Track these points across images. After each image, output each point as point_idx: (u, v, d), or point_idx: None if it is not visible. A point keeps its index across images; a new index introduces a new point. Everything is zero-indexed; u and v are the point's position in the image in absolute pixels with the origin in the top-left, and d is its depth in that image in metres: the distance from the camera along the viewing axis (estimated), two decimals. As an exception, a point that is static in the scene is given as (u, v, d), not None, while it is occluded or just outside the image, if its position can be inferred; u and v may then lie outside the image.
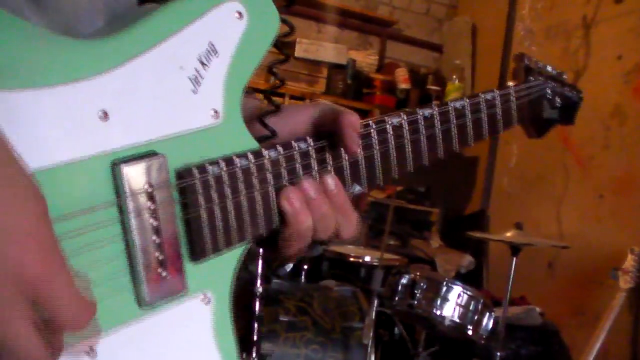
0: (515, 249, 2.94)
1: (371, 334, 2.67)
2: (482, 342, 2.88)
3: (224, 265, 0.84)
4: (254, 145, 0.85)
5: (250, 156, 0.83)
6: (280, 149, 0.86)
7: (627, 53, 3.92)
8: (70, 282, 0.62)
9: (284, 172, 0.86)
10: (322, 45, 4.95)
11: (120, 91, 0.71)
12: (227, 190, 0.81)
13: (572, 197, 4.19)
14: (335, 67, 5.03)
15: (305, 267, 3.29)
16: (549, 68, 1.28)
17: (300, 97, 4.77)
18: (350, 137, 0.90)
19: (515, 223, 3.08)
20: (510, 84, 1.22)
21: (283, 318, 2.77)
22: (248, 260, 2.74)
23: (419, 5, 5.71)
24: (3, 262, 0.57)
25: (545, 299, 3.94)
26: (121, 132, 0.72)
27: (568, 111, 1.35)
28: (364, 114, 5.01)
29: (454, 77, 5.23)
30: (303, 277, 3.29)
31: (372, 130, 0.96)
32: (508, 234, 3.01)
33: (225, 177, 0.81)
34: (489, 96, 1.14)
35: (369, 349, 2.66)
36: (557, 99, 1.30)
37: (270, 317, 2.75)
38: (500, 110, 1.16)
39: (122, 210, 0.72)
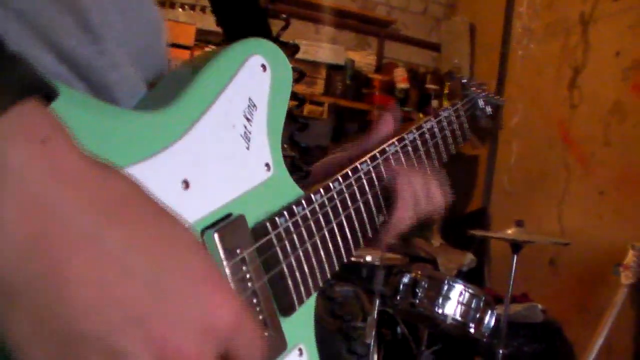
0: (516, 246, 2.94)
1: (373, 334, 2.68)
2: (485, 340, 2.89)
3: (306, 315, 0.86)
4: (299, 191, 0.88)
5: (305, 202, 0.85)
6: (322, 190, 0.90)
7: (625, 50, 3.92)
8: (259, 327, 0.60)
9: (337, 208, 0.92)
10: (320, 46, 4.95)
11: (193, 158, 0.71)
12: (296, 240, 0.82)
13: (572, 194, 4.19)
14: (333, 68, 5.03)
15: (307, 267, 3.28)
16: (474, 81, 1.38)
17: (300, 98, 4.76)
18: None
19: (516, 221, 3.08)
20: (456, 101, 1.31)
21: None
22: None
23: (417, 4, 5.72)
24: (199, 316, 0.53)
25: (547, 296, 3.94)
26: (202, 199, 0.71)
27: (496, 117, 1.45)
28: (363, 114, 5.02)
29: (453, 76, 5.23)
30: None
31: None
32: (509, 232, 3.01)
33: (291, 228, 0.82)
34: (446, 114, 1.25)
35: (371, 348, 2.66)
36: (488, 108, 1.40)
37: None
38: (457, 126, 1.28)
39: None
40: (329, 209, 0.90)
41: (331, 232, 0.90)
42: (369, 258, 3.48)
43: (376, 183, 1.01)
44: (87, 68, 0.68)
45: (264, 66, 0.82)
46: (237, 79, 0.78)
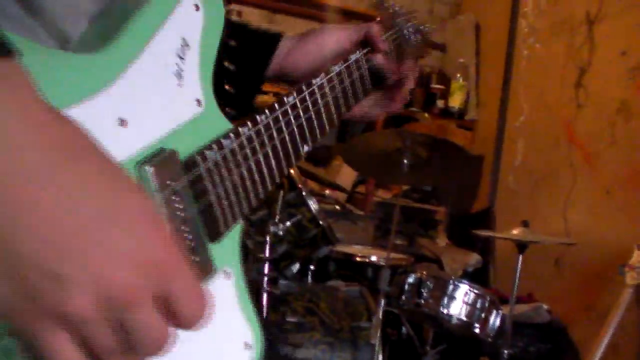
0: (521, 246, 2.94)
1: (379, 334, 2.68)
2: (490, 340, 2.89)
3: (231, 241, 0.92)
4: (228, 125, 0.92)
5: (233, 135, 0.90)
6: (249, 123, 0.95)
7: (631, 49, 3.91)
8: (192, 272, 0.64)
9: (267, 139, 0.98)
10: (326, 45, 4.94)
11: (129, 97, 0.75)
12: (224, 172, 0.88)
13: (578, 194, 4.18)
14: (339, 67, 5.02)
15: (312, 267, 3.29)
16: (403, 10, 1.46)
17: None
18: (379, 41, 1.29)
19: (521, 221, 3.08)
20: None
21: (291, 319, 2.77)
22: (256, 262, 2.74)
23: (422, 4, 5.71)
24: (139, 250, 0.58)
25: (553, 296, 3.94)
26: (137, 135, 0.76)
27: (422, 44, 1.51)
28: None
29: (458, 75, 5.23)
30: (310, 277, 3.29)
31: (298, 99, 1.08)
32: (514, 232, 3.01)
33: (220, 160, 0.87)
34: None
35: (376, 348, 2.66)
36: (416, 36, 1.47)
37: (278, 318, 2.75)
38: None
39: None
40: (256, 141, 0.95)
41: (257, 163, 0.95)
42: (374, 258, 3.48)
43: (302, 115, 1.08)
44: None
45: (196, 6, 0.87)
46: (172, 18, 0.83)
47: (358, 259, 3.50)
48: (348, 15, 5.24)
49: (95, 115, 0.70)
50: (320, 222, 2.97)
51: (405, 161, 2.91)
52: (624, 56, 3.95)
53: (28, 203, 0.53)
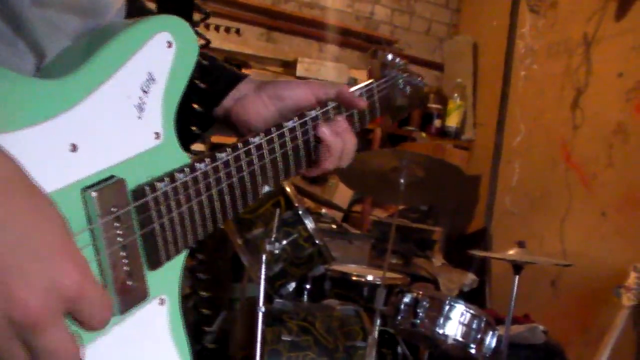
0: (517, 267, 2.93)
1: (374, 353, 2.66)
2: (486, 360, 2.87)
3: (172, 270, 0.95)
4: (187, 160, 0.95)
5: (187, 170, 0.93)
6: (208, 160, 0.97)
7: (628, 70, 3.93)
8: (99, 285, 0.70)
9: (223, 176, 0.99)
10: (324, 64, 4.96)
11: (84, 124, 0.79)
12: (173, 204, 0.91)
13: (575, 215, 4.19)
14: (337, 86, 5.03)
15: (308, 286, 3.28)
16: (397, 60, 1.44)
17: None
18: (356, 100, 1.23)
19: (517, 241, 3.07)
20: (371, 80, 1.37)
21: (286, 338, 2.76)
22: (251, 281, 2.73)
23: (420, 24, 5.74)
24: (47, 278, 0.63)
25: (549, 317, 3.93)
26: (87, 161, 0.80)
27: (416, 97, 1.51)
28: (366, 132, 5.02)
29: (456, 95, 5.24)
30: (306, 296, 3.28)
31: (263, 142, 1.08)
32: (510, 252, 3.01)
33: (170, 192, 0.90)
34: (358, 92, 1.30)
35: (372, 368, 2.65)
36: (407, 88, 1.46)
37: (273, 336, 2.74)
38: (370, 104, 1.34)
39: (94, 233, 0.79)
40: (211, 177, 0.97)
41: (209, 198, 0.97)
42: (370, 277, 3.47)
43: (266, 156, 1.08)
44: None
45: (169, 43, 0.91)
46: (140, 54, 0.86)
47: (354, 278, 3.49)
48: (344, 34, 5.27)
49: (47, 139, 0.74)
50: (317, 241, 2.97)
51: (402, 180, 2.92)
52: (621, 78, 3.97)
53: None
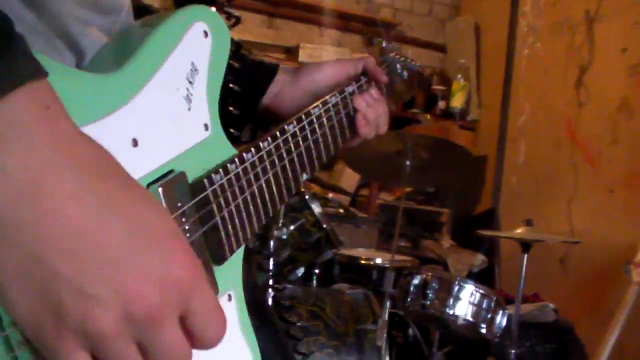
0: (525, 245, 2.93)
1: (385, 336, 2.67)
2: (496, 340, 2.87)
3: (235, 265, 0.94)
4: (233, 151, 0.95)
5: (237, 161, 0.92)
6: (253, 149, 0.98)
7: (631, 46, 3.91)
8: (212, 291, 0.64)
9: (269, 164, 1.01)
10: (325, 49, 4.95)
11: (141, 118, 0.77)
12: (229, 196, 0.90)
13: (582, 193, 4.18)
14: (339, 71, 5.01)
15: (317, 271, 3.28)
16: (392, 46, 1.54)
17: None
18: (379, 73, 1.37)
19: (525, 220, 3.07)
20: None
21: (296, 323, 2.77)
22: (259, 268, 2.74)
23: (421, 6, 5.71)
24: (163, 269, 0.58)
25: (559, 295, 3.92)
26: (148, 156, 0.78)
27: (414, 81, 1.57)
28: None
29: (459, 76, 5.23)
30: (315, 281, 3.28)
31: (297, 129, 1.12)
32: (518, 231, 3.00)
33: (225, 185, 0.89)
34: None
35: (383, 351, 2.65)
36: (405, 72, 1.53)
37: (283, 322, 2.75)
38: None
39: None
40: (259, 167, 0.98)
41: (259, 188, 0.98)
42: (378, 260, 3.47)
43: (301, 144, 1.11)
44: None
45: (205, 32, 0.89)
46: (182, 44, 0.85)
47: (362, 261, 3.50)
48: (345, 19, 5.25)
49: (110, 135, 0.71)
50: (324, 226, 2.97)
51: (408, 163, 2.91)
52: (624, 53, 3.95)
53: (60, 219, 0.54)
